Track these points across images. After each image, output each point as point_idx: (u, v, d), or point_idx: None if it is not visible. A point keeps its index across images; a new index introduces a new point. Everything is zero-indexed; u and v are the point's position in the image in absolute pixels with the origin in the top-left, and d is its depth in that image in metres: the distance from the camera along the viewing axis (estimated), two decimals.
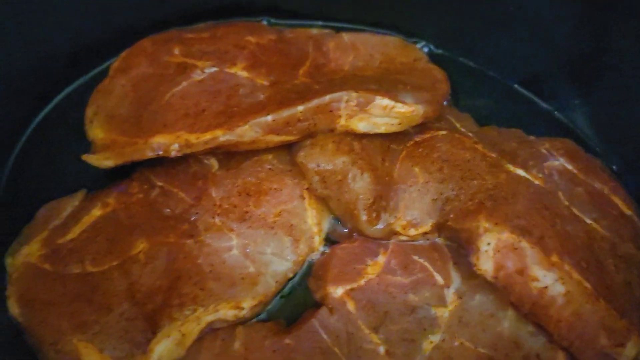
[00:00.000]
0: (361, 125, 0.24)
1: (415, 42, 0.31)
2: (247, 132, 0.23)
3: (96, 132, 0.24)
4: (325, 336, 0.22)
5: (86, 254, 0.23)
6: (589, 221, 0.24)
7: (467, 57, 0.31)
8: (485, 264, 0.22)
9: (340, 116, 0.24)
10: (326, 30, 0.29)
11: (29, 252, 0.23)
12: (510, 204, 0.23)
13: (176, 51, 0.26)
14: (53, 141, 0.27)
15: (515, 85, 0.30)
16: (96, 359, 0.21)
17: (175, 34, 0.27)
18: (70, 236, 0.23)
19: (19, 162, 0.27)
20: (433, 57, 0.29)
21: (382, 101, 0.23)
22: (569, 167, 0.26)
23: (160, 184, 0.25)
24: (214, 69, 0.25)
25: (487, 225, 0.22)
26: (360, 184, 0.24)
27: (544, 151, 0.26)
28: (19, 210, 0.25)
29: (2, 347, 0.22)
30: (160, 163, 0.25)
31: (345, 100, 0.23)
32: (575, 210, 0.24)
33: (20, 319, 0.22)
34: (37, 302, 0.22)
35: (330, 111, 0.23)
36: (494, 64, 0.31)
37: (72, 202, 0.25)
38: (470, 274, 0.23)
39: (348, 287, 0.23)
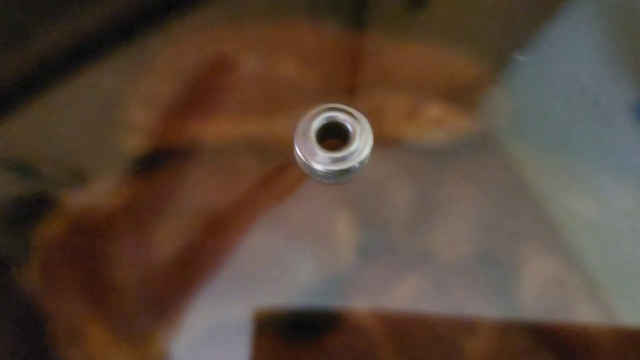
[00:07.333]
0: (409, 133, 0.23)
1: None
2: (287, 125, 0.22)
3: (134, 112, 0.24)
4: (343, 354, 0.21)
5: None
6: None
7: None
8: (528, 296, 0.20)
9: (388, 121, 0.23)
10: (386, 37, 0.28)
11: (56, 227, 0.22)
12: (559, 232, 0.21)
13: (224, 42, 0.26)
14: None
15: None
16: (103, 338, 0.20)
17: (224, 24, 0.27)
18: (97, 216, 0.23)
19: None
20: None
21: (435, 109, 0.22)
22: None
23: (191, 174, 0.24)
24: (261, 63, 0.25)
25: (533, 253, 0.21)
26: (400, 196, 0.23)
27: None
28: None
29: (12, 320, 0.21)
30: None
31: (394, 104, 0.22)
32: None
33: (38, 292, 0.21)
34: (56, 276, 0.22)
35: (378, 115, 0.23)
36: None
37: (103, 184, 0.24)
38: (510, 306, 0.21)
39: (374, 303, 0.22)
